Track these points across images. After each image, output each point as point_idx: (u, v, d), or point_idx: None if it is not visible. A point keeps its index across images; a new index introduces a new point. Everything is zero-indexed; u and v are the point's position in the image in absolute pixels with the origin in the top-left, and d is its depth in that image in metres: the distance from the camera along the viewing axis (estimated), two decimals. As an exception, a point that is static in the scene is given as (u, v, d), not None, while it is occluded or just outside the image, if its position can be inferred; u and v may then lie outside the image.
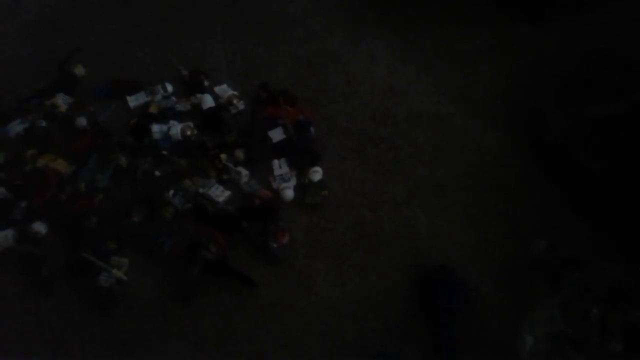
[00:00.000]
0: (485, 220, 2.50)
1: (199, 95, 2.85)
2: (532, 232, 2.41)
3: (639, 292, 2.05)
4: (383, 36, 3.16)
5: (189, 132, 2.71)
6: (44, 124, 2.79)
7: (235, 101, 2.84)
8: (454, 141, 2.75)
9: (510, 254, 2.39)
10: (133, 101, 2.88)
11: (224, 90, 2.89)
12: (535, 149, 2.67)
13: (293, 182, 2.60)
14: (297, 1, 3.34)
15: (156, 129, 2.73)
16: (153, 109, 2.83)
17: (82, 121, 2.77)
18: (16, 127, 2.77)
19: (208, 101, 2.83)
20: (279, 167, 2.64)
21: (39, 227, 2.46)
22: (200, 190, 2.55)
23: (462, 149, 2.72)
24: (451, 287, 2.24)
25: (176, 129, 2.70)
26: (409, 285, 2.33)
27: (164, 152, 2.66)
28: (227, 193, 2.57)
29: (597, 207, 2.43)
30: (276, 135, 2.72)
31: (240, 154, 2.66)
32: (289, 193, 2.54)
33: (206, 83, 2.92)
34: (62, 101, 2.85)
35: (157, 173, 2.61)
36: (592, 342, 1.99)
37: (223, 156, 2.64)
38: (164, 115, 2.80)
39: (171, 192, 2.53)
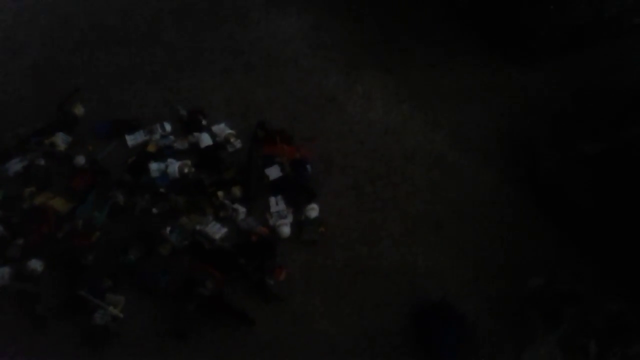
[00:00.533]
0: (481, 256, 2.50)
1: (196, 134, 2.89)
2: (528, 268, 2.42)
3: (638, 326, 2.04)
4: (378, 76, 3.22)
5: (186, 170, 2.74)
6: (42, 162, 2.82)
7: (232, 140, 2.87)
8: (450, 178, 2.77)
9: (507, 290, 2.39)
10: (132, 140, 2.92)
11: (222, 129, 2.93)
12: (529, 185, 2.70)
13: (290, 219, 2.61)
14: (294, 43, 3.42)
15: (154, 167, 2.76)
16: (151, 148, 2.87)
17: (80, 160, 2.80)
18: (15, 166, 2.80)
19: (205, 140, 2.86)
20: (276, 204, 2.66)
21: (35, 265, 2.46)
22: (197, 227, 2.56)
23: (457, 185, 2.74)
24: (448, 323, 2.23)
25: (174, 167, 2.73)
26: (406, 321, 2.32)
27: (162, 190, 2.68)
28: (224, 230, 2.58)
29: (592, 243, 2.44)
30: (273, 173, 2.74)
31: (237, 191, 2.68)
32: (286, 230, 2.55)
33: (204, 122, 2.97)
34: (61, 140, 2.89)
35: (154, 210, 2.63)
36: (592, 378, 1.97)
37: (220, 194, 2.66)
38: (162, 154, 2.84)
39: (168, 229, 2.54)
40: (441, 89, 3.16)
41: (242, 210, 2.61)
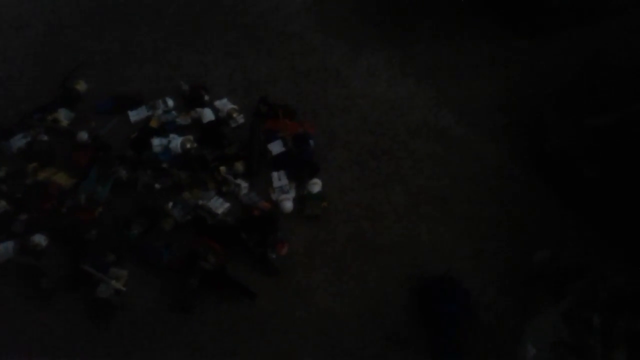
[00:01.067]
0: (486, 231, 2.48)
1: (199, 110, 2.87)
2: (533, 242, 2.40)
3: (643, 300, 2.02)
4: (382, 50, 3.18)
5: (188, 145, 2.72)
6: (45, 138, 2.82)
7: (235, 115, 2.85)
8: (454, 153, 2.74)
9: (512, 264, 2.37)
10: (134, 116, 2.91)
11: (224, 104, 2.91)
12: (536, 159, 2.67)
13: (292, 194, 2.59)
14: (297, 17, 3.38)
15: (156, 142, 2.75)
16: (154, 123, 2.85)
17: (83, 135, 2.79)
18: (18, 142, 2.79)
19: (208, 115, 2.84)
20: (278, 179, 2.64)
21: (39, 240, 2.47)
22: (200, 202, 2.55)
23: (462, 160, 2.71)
24: (452, 296, 2.21)
25: (176, 142, 2.72)
26: (409, 295, 2.31)
27: (164, 165, 2.67)
28: (227, 205, 2.57)
29: (599, 216, 2.41)
30: (275, 148, 2.73)
31: (239, 166, 2.66)
32: (288, 205, 2.54)
33: (206, 97, 2.95)
34: (63, 116, 2.88)
35: (157, 186, 2.62)
36: (595, 351, 1.95)
37: (222, 168, 2.65)
38: (165, 129, 2.82)
39: (170, 204, 2.53)
40: (447, 64, 3.11)
41: (244, 185, 2.60)
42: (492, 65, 3.07)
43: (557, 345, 1.98)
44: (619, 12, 3.06)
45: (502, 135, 2.78)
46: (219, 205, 2.55)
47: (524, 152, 2.71)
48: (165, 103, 2.91)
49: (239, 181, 2.61)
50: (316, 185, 2.59)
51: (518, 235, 2.46)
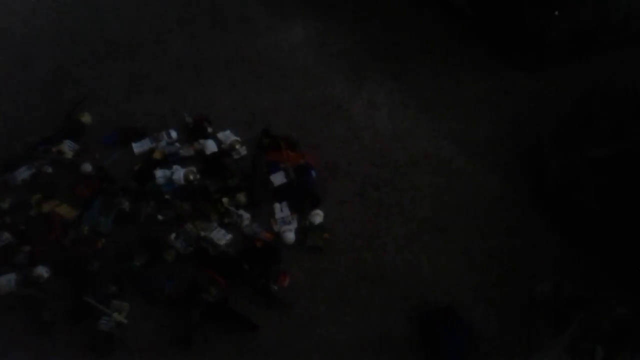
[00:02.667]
0: (487, 262, 2.49)
1: (202, 141, 2.90)
2: (535, 273, 2.40)
3: (646, 330, 2.01)
4: (383, 83, 3.23)
5: (191, 177, 2.75)
6: (50, 170, 2.84)
7: (237, 146, 2.88)
8: (455, 184, 2.76)
9: (513, 295, 2.37)
10: (138, 147, 2.93)
11: (227, 136, 2.94)
12: (536, 190, 2.69)
13: (294, 225, 2.60)
14: (300, 51, 3.44)
15: (160, 174, 2.76)
16: (157, 155, 2.88)
17: (87, 167, 2.82)
18: (23, 173, 2.82)
19: (211, 146, 2.87)
20: (280, 210, 2.66)
21: (41, 271, 2.47)
22: (202, 233, 2.56)
23: (462, 191, 2.73)
24: (454, 328, 2.21)
25: (179, 173, 2.74)
26: (411, 326, 2.31)
27: (167, 197, 2.69)
28: (229, 236, 2.58)
29: (599, 247, 2.42)
30: (278, 179, 2.75)
31: (242, 197, 2.68)
32: (290, 236, 2.55)
33: (209, 129, 2.98)
34: (68, 148, 2.91)
35: (159, 217, 2.63)
36: (599, 383, 1.94)
37: (225, 200, 2.66)
38: (168, 161, 2.85)
39: (173, 235, 2.54)
40: (447, 96, 3.16)
41: (246, 216, 2.62)
42: (491, 97, 3.12)
43: (561, 377, 1.97)
44: (615, 46, 3.11)
45: (502, 167, 2.80)
46: (221, 237, 2.56)
47: (524, 183, 2.73)
48: (168, 135, 2.94)
49: (241, 212, 2.62)
50: (318, 216, 2.60)
51: (519, 266, 2.46)
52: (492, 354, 2.22)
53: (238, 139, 2.92)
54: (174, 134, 2.95)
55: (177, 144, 2.93)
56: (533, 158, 2.77)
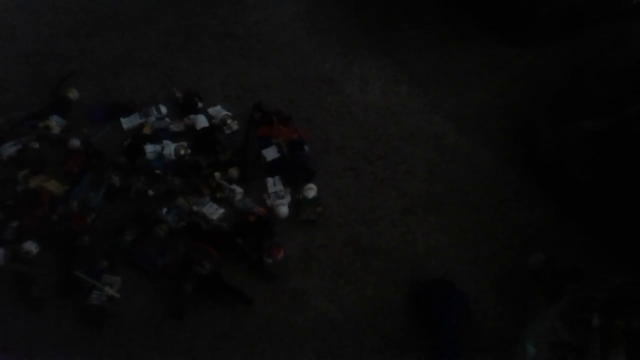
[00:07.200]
0: (481, 235, 2.49)
1: (192, 116, 2.85)
2: (529, 245, 2.41)
3: (640, 299, 2.02)
4: (375, 58, 3.19)
5: (182, 152, 2.70)
6: (37, 145, 2.79)
7: (229, 121, 2.84)
8: (448, 158, 2.75)
9: (508, 267, 2.38)
10: (127, 123, 2.88)
11: (218, 111, 2.90)
12: (529, 163, 2.68)
13: (287, 199, 2.58)
14: (290, 27, 3.39)
15: (150, 149, 2.72)
16: (147, 130, 2.83)
17: (75, 142, 2.76)
18: (9, 149, 2.75)
19: (202, 122, 2.82)
20: (273, 184, 2.63)
21: (30, 247, 2.43)
22: (194, 208, 2.53)
23: (456, 165, 2.72)
24: (449, 299, 2.21)
25: (170, 148, 2.69)
26: (406, 299, 2.30)
27: (158, 172, 2.65)
28: (221, 211, 2.55)
29: (593, 219, 2.43)
30: (270, 154, 2.72)
31: (234, 172, 2.65)
32: (284, 210, 2.52)
33: (200, 105, 2.93)
34: (55, 123, 2.85)
35: (150, 192, 2.59)
36: (595, 351, 1.94)
37: (217, 175, 2.63)
38: (158, 136, 2.80)
39: (164, 209, 2.51)
40: (439, 72, 3.13)
41: (239, 191, 2.58)
42: (484, 72, 3.10)
43: (556, 345, 1.97)
44: (606, 21, 3.10)
45: (495, 141, 2.80)
46: (214, 211, 2.53)
47: (517, 157, 2.73)
48: (158, 110, 2.88)
49: (233, 187, 2.59)
50: (311, 191, 2.58)
51: (513, 239, 2.46)
52: (487, 324, 2.23)
53: (229, 113, 2.88)
54: (163, 109, 2.90)
55: (167, 119, 2.88)
56: (526, 132, 2.76)
